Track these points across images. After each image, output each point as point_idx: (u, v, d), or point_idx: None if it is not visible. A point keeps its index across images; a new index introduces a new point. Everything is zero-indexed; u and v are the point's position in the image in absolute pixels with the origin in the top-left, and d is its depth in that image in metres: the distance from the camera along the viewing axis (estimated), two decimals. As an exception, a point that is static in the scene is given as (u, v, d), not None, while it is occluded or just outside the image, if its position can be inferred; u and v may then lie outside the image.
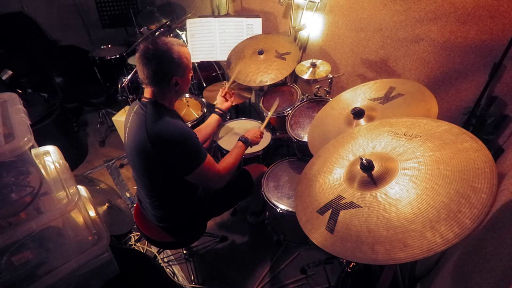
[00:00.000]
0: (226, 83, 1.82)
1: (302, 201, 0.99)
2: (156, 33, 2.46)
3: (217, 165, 1.24)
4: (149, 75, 1.07)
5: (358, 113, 1.20)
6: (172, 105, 1.19)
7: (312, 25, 2.11)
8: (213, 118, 1.65)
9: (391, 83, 1.26)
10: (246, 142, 1.43)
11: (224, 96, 1.71)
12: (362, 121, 1.21)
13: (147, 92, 1.14)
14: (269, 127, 1.93)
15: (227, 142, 1.81)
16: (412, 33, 1.58)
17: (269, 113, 1.66)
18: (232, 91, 1.76)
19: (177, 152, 1.08)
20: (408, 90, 1.20)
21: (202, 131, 1.59)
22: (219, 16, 2.74)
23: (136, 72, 2.21)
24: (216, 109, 1.67)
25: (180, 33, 2.44)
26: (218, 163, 1.27)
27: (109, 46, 3.18)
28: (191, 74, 1.20)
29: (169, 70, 1.08)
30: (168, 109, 1.16)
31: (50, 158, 1.21)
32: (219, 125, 1.83)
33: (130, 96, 2.23)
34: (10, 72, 2.72)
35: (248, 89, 2.15)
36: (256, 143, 1.52)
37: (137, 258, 1.40)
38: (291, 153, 2.00)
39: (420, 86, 1.18)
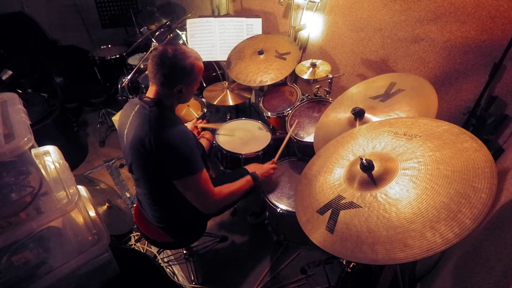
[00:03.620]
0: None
1: (302, 201, 0.99)
2: (156, 33, 2.47)
3: (212, 186, 1.19)
4: (158, 76, 1.10)
5: (358, 113, 1.20)
6: (174, 107, 1.22)
7: (312, 25, 2.11)
8: None
9: (391, 79, 1.26)
10: (256, 179, 1.38)
11: (195, 126, 1.68)
12: (365, 120, 1.21)
13: (151, 91, 1.16)
14: (269, 127, 1.93)
15: (227, 142, 1.81)
16: (412, 33, 1.58)
17: (283, 142, 1.55)
18: (201, 127, 1.70)
19: (172, 154, 1.08)
20: (408, 85, 1.19)
21: None
22: (219, 16, 2.74)
23: (136, 72, 2.22)
24: None
25: (180, 33, 2.44)
26: (218, 187, 1.23)
27: (109, 46, 3.19)
28: (196, 87, 1.23)
29: (177, 78, 1.12)
30: (172, 111, 1.18)
31: (50, 158, 1.21)
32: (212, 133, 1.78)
33: (130, 96, 2.23)
34: (10, 72, 2.72)
35: (248, 89, 2.15)
36: (268, 180, 1.46)
37: (137, 258, 1.40)
38: (291, 153, 1.99)
39: (420, 79, 1.18)
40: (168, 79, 1.11)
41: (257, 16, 2.22)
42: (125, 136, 1.20)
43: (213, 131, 1.89)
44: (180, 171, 1.11)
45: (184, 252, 1.84)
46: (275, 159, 1.53)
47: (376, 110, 1.20)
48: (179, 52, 1.10)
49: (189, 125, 1.68)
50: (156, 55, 1.09)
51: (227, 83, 2.16)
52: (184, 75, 1.12)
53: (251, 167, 1.53)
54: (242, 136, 1.87)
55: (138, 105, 1.17)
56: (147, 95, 1.17)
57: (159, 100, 1.14)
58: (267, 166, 1.47)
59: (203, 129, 1.73)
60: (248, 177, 1.37)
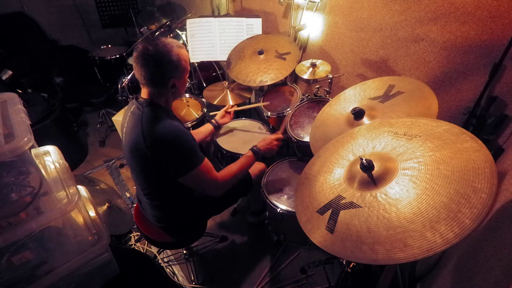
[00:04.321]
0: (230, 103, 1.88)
1: (302, 201, 0.99)
2: (156, 33, 2.46)
3: (215, 172, 1.20)
4: (147, 76, 1.07)
5: (358, 113, 1.20)
6: (169, 105, 1.19)
7: (312, 25, 2.11)
8: (208, 128, 1.71)
9: (390, 81, 1.26)
10: (257, 153, 1.34)
11: (227, 112, 1.76)
12: (364, 120, 1.21)
13: (144, 93, 1.14)
14: (269, 127, 1.93)
15: (227, 142, 1.81)
16: (412, 33, 1.58)
17: (286, 117, 1.64)
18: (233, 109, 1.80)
19: (171, 153, 1.07)
20: (408, 88, 1.19)
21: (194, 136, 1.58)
22: (219, 16, 2.74)
23: (136, 72, 2.21)
24: (213, 121, 1.74)
25: (180, 33, 2.44)
26: (220, 170, 1.24)
27: (109, 46, 3.19)
28: (187, 75, 1.20)
29: (167, 73, 1.08)
30: (164, 109, 1.15)
31: (50, 158, 1.21)
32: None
33: (130, 96, 2.23)
34: (10, 72, 2.72)
35: (248, 89, 2.15)
36: (271, 153, 1.39)
37: (137, 258, 1.40)
38: (291, 153, 1.99)
39: (419, 83, 1.18)
40: (158, 77, 1.07)
41: (257, 16, 2.22)
42: (123, 136, 1.20)
43: (218, 129, 1.88)
44: (183, 168, 1.10)
45: (184, 252, 1.84)
46: (281, 130, 1.50)
47: (375, 111, 1.20)
48: (160, 46, 1.05)
49: (220, 113, 1.74)
50: (138, 56, 1.05)
51: (227, 83, 2.16)
52: (172, 68, 1.08)
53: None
54: (242, 136, 1.87)
55: (134, 105, 1.16)
56: (141, 95, 1.15)
57: (151, 100, 1.11)
58: (271, 136, 1.41)
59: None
60: (249, 153, 1.34)
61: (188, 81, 1.27)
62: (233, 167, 1.28)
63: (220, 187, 1.22)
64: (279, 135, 1.45)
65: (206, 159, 1.15)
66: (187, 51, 1.23)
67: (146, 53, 1.04)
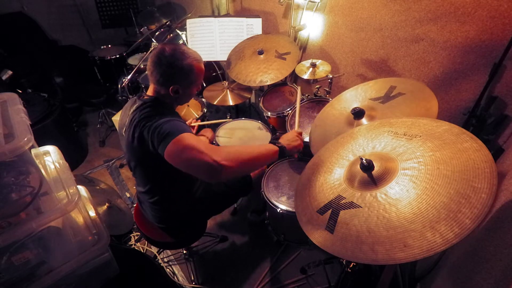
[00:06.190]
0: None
1: (302, 201, 0.99)
2: (156, 33, 2.47)
3: (210, 145, 0.99)
4: (155, 74, 1.10)
5: (358, 113, 1.20)
6: (174, 107, 1.21)
7: (312, 25, 2.11)
8: None
9: (391, 82, 1.26)
10: (283, 150, 1.11)
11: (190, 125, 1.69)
12: (363, 120, 1.21)
13: (150, 90, 1.16)
14: (269, 127, 1.93)
15: (227, 142, 1.81)
16: (412, 33, 1.58)
17: (296, 106, 1.39)
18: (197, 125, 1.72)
19: (156, 131, 0.99)
20: (409, 89, 1.19)
21: None
22: (219, 16, 2.74)
23: (136, 72, 2.22)
24: None
25: (180, 33, 2.44)
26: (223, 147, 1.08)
27: (109, 46, 3.19)
28: (196, 89, 1.20)
29: (174, 77, 1.10)
30: (169, 106, 1.16)
31: (50, 158, 1.21)
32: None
33: (130, 96, 2.23)
34: (10, 72, 2.72)
35: (248, 89, 2.15)
36: (297, 149, 1.18)
37: (137, 258, 1.40)
38: (291, 153, 1.99)
39: (420, 84, 1.18)
40: (164, 78, 1.10)
41: (257, 16, 2.22)
42: (124, 134, 1.20)
43: (214, 129, 1.89)
44: (164, 140, 0.96)
45: (184, 252, 1.84)
46: (297, 127, 1.33)
47: (375, 111, 1.20)
48: (177, 52, 1.08)
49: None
50: (155, 54, 1.10)
51: (227, 83, 2.16)
52: (181, 75, 1.10)
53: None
54: (242, 136, 1.87)
55: (136, 104, 1.16)
56: (147, 93, 1.17)
57: (156, 98, 1.13)
58: (291, 133, 1.21)
59: (200, 128, 1.73)
60: (274, 148, 1.08)
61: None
62: (242, 149, 1.03)
63: (218, 163, 0.90)
64: (299, 130, 1.26)
65: (192, 134, 1.00)
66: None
67: (162, 53, 1.08)
